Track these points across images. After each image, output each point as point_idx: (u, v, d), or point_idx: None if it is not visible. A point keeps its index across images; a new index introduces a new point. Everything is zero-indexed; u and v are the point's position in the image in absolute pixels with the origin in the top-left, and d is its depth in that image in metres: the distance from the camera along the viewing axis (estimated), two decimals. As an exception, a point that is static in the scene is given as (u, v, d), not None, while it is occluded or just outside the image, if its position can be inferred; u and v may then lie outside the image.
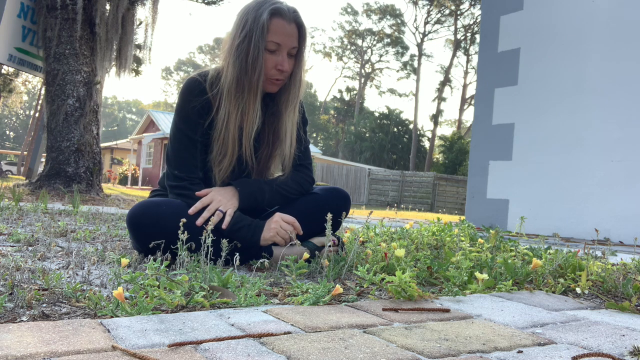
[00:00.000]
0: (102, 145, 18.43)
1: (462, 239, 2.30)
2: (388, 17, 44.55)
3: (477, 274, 1.49)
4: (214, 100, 1.73)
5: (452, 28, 40.57)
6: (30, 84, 32.62)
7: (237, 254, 1.46)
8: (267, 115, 1.83)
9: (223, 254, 1.39)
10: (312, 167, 1.99)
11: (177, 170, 1.76)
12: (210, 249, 1.38)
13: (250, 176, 1.84)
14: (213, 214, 1.66)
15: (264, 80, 1.72)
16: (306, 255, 1.57)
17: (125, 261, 1.38)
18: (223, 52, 1.76)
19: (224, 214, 1.68)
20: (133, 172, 23.59)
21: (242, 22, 1.69)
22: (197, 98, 1.73)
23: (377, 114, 39.96)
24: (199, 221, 1.65)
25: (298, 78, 1.78)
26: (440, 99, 40.61)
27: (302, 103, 1.93)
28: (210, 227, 1.38)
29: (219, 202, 1.69)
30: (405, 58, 46.01)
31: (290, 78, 1.78)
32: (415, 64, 43.08)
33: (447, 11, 39.78)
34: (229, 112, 1.72)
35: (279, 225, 1.70)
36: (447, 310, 1.18)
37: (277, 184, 1.83)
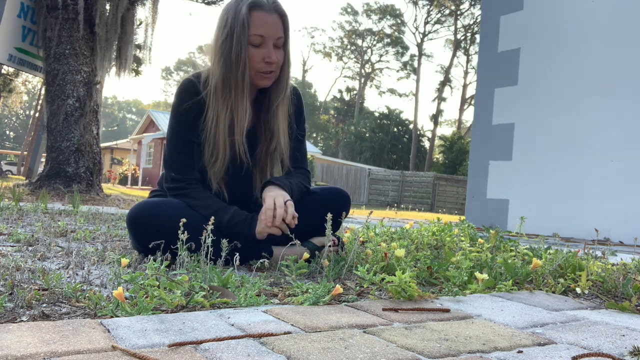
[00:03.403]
0: (102, 145, 18.41)
1: (462, 239, 2.30)
2: (388, 17, 44.55)
3: (477, 274, 1.49)
4: (206, 100, 1.73)
5: (452, 28, 40.60)
6: (30, 84, 32.62)
7: (237, 254, 1.46)
8: (262, 112, 1.82)
9: (223, 254, 1.39)
10: (309, 164, 1.99)
11: (174, 172, 1.76)
12: (210, 249, 1.38)
13: (251, 176, 1.84)
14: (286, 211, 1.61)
15: (253, 75, 1.71)
16: (306, 255, 1.57)
17: (125, 261, 1.38)
18: (209, 53, 1.77)
19: (288, 201, 1.63)
20: (133, 172, 23.57)
21: (223, 21, 1.69)
22: (190, 99, 1.73)
23: (377, 114, 39.95)
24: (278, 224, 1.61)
25: (286, 69, 1.77)
26: (440, 99, 40.62)
27: (299, 94, 1.91)
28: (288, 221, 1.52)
29: (281, 196, 1.64)
30: (405, 58, 46.05)
31: (281, 70, 1.76)
32: (415, 64, 43.11)
33: (447, 11, 39.79)
34: (217, 111, 1.71)
35: (266, 215, 1.64)
36: (447, 310, 1.18)
37: (294, 179, 1.81)
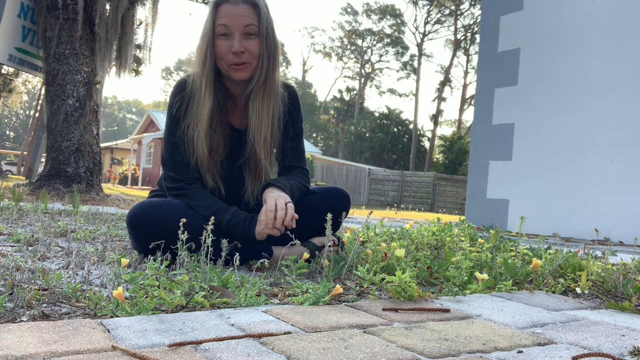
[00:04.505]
0: (102, 145, 18.41)
1: (462, 239, 2.30)
2: (388, 17, 44.55)
3: (477, 274, 1.49)
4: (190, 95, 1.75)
5: (452, 28, 40.59)
6: (30, 84, 32.59)
7: (237, 254, 1.46)
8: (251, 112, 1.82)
9: (223, 254, 1.39)
10: (308, 164, 1.99)
11: (172, 172, 1.77)
12: (210, 249, 1.38)
13: (243, 172, 1.84)
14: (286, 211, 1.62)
15: (227, 68, 1.70)
16: (306, 255, 1.57)
17: (125, 261, 1.38)
18: None
19: (289, 203, 1.64)
20: (133, 172, 23.57)
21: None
22: (180, 97, 1.75)
23: (377, 114, 39.96)
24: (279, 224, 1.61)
25: (263, 60, 1.72)
26: (440, 99, 40.61)
27: (294, 92, 1.90)
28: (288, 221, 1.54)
29: (282, 197, 1.65)
30: (405, 58, 46.04)
31: (259, 61, 1.73)
32: (415, 64, 43.11)
33: (447, 11, 39.78)
34: (193, 104, 1.73)
35: (267, 216, 1.63)
36: (447, 310, 1.18)
37: (293, 180, 1.81)
